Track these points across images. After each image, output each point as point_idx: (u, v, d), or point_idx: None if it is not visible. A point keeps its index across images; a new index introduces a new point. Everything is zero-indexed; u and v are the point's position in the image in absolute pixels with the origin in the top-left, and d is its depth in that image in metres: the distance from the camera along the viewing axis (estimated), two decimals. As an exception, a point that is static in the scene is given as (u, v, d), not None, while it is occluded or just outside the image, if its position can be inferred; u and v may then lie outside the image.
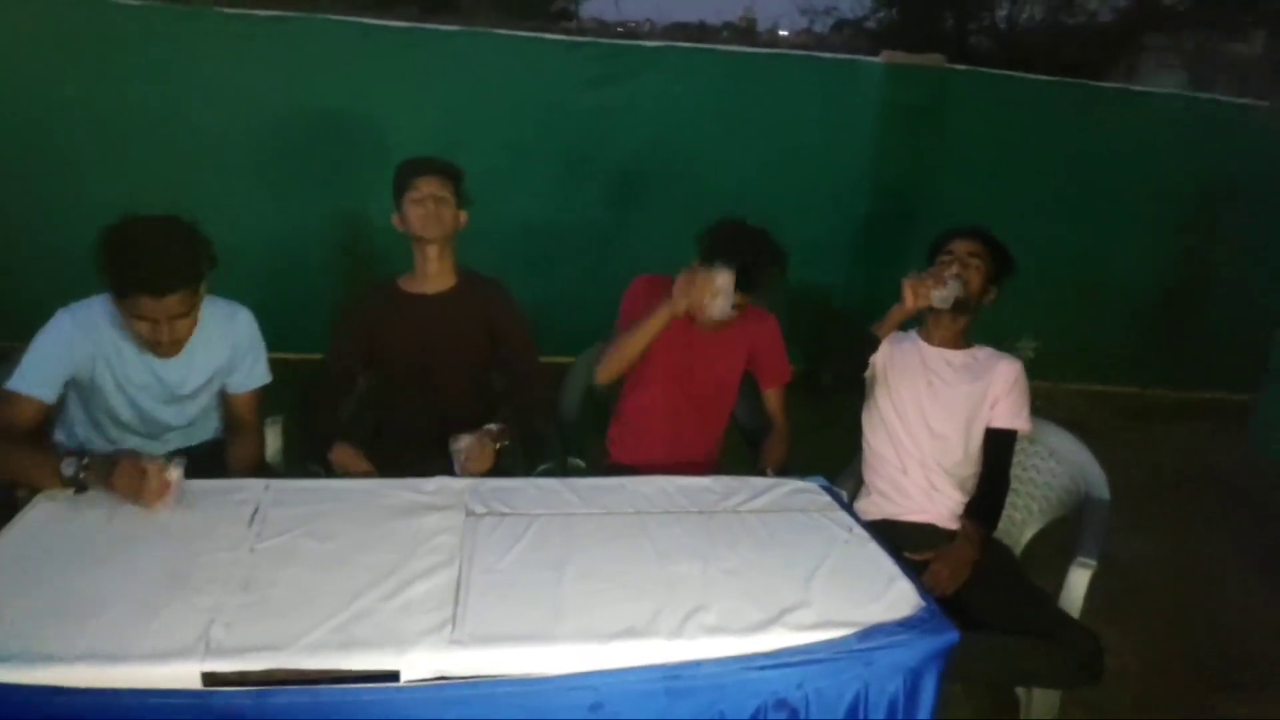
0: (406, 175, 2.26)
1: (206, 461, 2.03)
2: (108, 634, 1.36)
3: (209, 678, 1.31)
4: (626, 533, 1.80)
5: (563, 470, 2.34)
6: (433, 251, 2.29)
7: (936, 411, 2.24)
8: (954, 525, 2.20)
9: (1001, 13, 11.85)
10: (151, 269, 1.80)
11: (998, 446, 2.22)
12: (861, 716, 1.50)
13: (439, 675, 1.37)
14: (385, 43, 4.00)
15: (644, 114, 4.22)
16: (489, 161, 4.05)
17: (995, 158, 4.43)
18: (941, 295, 2.15)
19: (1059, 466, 2.35)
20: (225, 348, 2.09)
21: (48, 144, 3.88)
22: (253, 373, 2.17)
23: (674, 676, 1.43)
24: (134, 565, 1.55)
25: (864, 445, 2.37)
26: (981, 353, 2.30)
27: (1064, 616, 1.94)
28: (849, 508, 1.99)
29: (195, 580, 1.52)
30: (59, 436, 2.13)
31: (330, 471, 2.17)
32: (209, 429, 2.24)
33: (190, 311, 1.92)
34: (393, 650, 1.38)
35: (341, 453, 2.19)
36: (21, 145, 3.86)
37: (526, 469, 2.32)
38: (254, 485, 1.86)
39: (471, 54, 4.10)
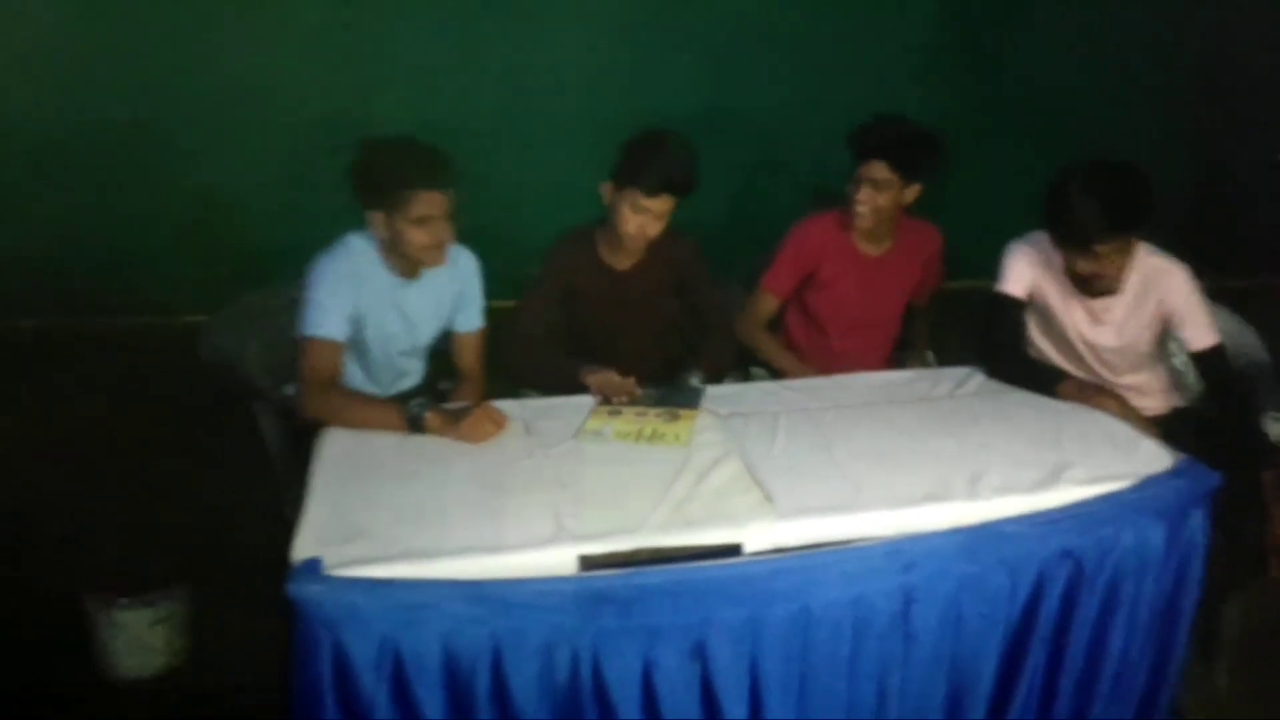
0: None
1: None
2: (467, 532, 1.45)
3: (585, 560, 1.41)
4: (866, 420, 1.91)
5: (746, 379, 2.43)
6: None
7: (1102, 342, 2.09)
8: (1172, 400, 2.18)
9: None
10: (433, 159, 1.87)
11: (1207, 369, 2.03)
12: (1136, 559, 1.64)
13: (775, 547, 1.49)
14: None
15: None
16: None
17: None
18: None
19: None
20: (454, 289, 2.10)
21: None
22: (477, 312, 2.16)
23: (975, 536, 1.55)
24: (447, 477, 1.63)
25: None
26: (1136, 274, 2.00)
27: None
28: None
29: (510, 483, 1.61)
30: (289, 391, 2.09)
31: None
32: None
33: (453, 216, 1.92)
34: (732, 526, 1.49)
35: (601, 375, 2.01)
36: (136, 129, 3.92)
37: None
38: (507, 404, 1.92)
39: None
